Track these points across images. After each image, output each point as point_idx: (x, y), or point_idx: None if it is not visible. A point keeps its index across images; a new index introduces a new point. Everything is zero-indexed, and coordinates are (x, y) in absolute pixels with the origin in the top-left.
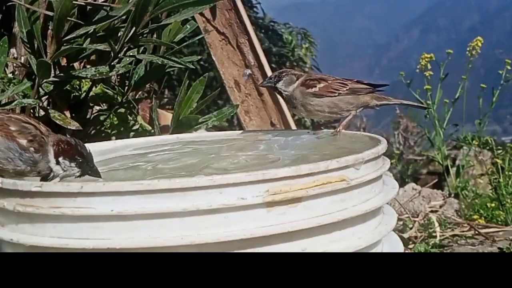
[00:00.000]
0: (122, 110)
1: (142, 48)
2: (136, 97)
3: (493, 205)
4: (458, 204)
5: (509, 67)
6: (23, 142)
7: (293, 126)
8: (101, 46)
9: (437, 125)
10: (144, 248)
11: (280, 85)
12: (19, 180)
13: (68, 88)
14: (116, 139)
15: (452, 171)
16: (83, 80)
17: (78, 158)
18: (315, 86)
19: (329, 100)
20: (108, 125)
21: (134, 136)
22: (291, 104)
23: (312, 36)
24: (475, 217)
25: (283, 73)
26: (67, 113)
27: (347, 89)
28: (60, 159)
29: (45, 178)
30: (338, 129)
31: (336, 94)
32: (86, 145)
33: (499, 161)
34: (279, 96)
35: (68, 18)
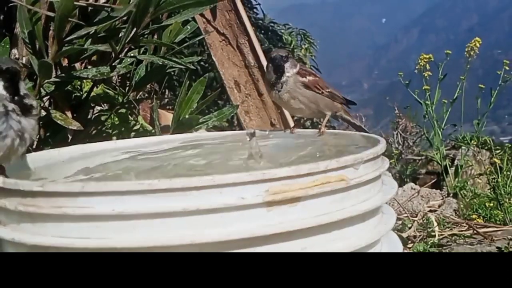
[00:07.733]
0: (123, 110)
1: (143, 48)
2: (137, 97)
3: (491, 204)
4: (456, 203)
5: (507, 68)
6: None
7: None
8: (102, 47)
9: (435, 125)
10: (145, 248)
11: (287, 66)
12: (20, 180)
13: (70, 89)
14: (117, 139)
15: (451, 171)
16: (84, 81)
17: None
18: (306, 77)
19: (312, 95)
20: (109, 125)
21: (135, 136)
22: (277, 87)
23: (311, 36)
24: (473, 216)
25: (289, 56)
26: (69, 113)
27: (328, 91)
28: None
29: None
30: (321, 130)
31: (320, 92)
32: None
33: (498, 161)
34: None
35: (70, 19)
